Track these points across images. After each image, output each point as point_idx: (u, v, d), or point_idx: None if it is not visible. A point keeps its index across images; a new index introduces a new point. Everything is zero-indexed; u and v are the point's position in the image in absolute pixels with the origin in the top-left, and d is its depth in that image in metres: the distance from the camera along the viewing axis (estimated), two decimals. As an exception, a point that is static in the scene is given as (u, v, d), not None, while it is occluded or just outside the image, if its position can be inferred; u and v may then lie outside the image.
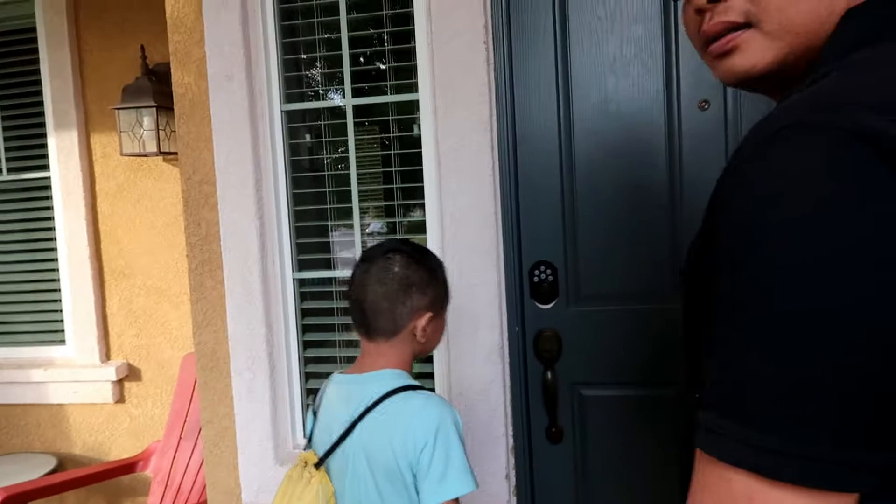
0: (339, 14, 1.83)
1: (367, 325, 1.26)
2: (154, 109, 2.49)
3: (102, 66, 2.72)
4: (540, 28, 1.75)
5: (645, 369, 1.75)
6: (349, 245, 1.90)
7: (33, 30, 2.75)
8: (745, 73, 0.64)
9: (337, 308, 1.92)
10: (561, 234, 1.78)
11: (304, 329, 1.93)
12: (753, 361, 0.46)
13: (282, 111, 1.87)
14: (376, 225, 1.96)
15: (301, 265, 1.92)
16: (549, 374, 1.78)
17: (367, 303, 1.25)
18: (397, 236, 1.91)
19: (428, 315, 1.26)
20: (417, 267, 1.27)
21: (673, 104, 1.71)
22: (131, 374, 2.86)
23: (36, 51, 2.76)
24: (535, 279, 1.80)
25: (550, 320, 1.81)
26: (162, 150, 2.54)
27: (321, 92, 1.92)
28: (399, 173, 1.86)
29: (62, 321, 2.89)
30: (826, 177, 0.45)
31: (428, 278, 1.28)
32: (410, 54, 1.80)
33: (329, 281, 1.92)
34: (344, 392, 1.27)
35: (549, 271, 1.80)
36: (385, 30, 1.83)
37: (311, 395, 1.94)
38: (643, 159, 1.73)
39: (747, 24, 0.62)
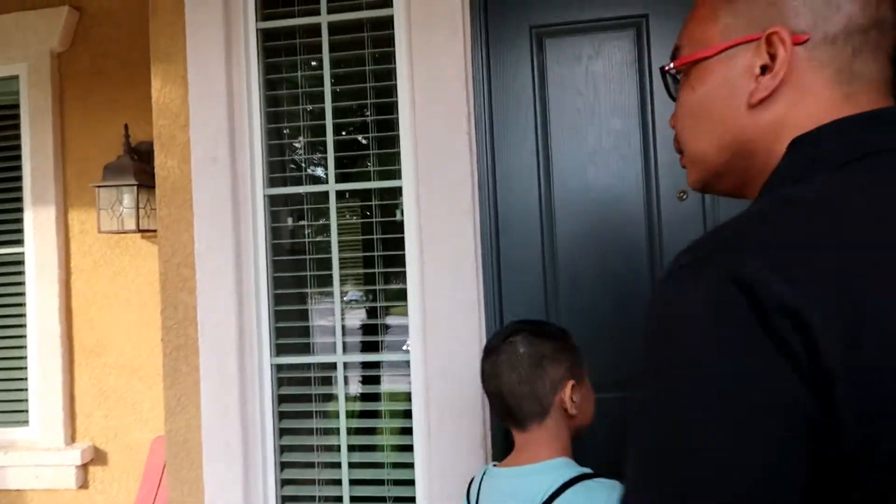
0: (324, 102, 1.86)
1: (513, 415, 1.20)
2: (135, 188, 2.48)
3: (85, 144, 2.72)
4: (521, 118, 1.80)
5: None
6: (329, 330, 1.87)
7: (17, 106, 2.76)
8: (693, 187, 0.74)
9: (315, 394, 1.87)
10: (543, 317, 1.77)
11: (281, 416, 1.87)
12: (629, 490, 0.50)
13: (265, 195, 1.87)
14: (354, 294, 1.94)
15: (279, 350, 1.88)
16: (532, 466, 1.73)
17: (506, 393, 1.20)
18: (379, 320, 1.89)
19: (570, 383, 1.20)
20: (542, 340, 1.23)
21: (652, 193, 1.75)
22: (97, 457, 2.74)
23: (18, 126, 2.76)
24: (518, 366, 1.78)
25: (533, 408, 1.78)
26: (140, 228, 2.51)
27: (304, 176, 1.93)
28: (381, 258, 1.85)
29: (26, 401, 2.78)
30: (698, 325, 0.48)
31: (557, 346, 1.24)
32: (394, 141, 1.83)
33: (308, 367, 1.88)
34: (507, 486, 1.19)
35: (531, 358, 1.78)
36: (369, 117, 1.87)
37: (285, 485, 1.86)
38: (624, 249, 1.75)
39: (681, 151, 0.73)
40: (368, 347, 1.92)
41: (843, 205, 0.50)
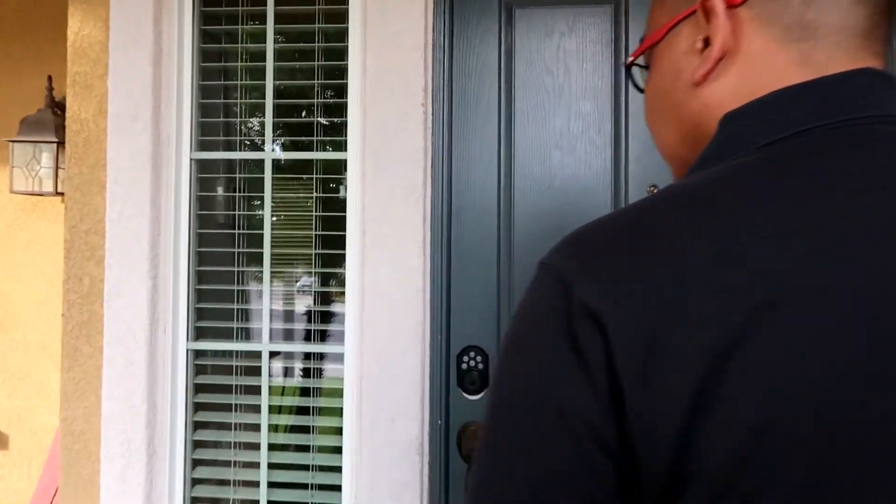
0: (265, 60, 1.66)
1: None
2: (55, 145, 2.23)
3: (4, 96, 2.45)
4: (484, 95, 1.63)
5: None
6: (257, 314, 1.68)
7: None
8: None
9: (237, 385, 1.67)
10: (495, 316, 1.61)
11: (196, 407, 1.67)
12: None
13: (191, 159, 1.66)
14: (307, 280, 1.75)
15: (198, 333, 1.68)
16: (472, 476, 1.57)
17: None
18: (313, 307, 1.70)
19: None
20: None
21: (620, 186, 1.60)
22: (-2, 441, 2.48)
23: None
24: (464, 366, 1.62)
25: (478, 412, 1.62)
26: (59, 191, 2.26)
27: (239, 142, 1.73)
28: (320, 238, 1.67)
29: (-80, 376, 2.49)
30: (525, 327, 0.45)
31: None
32: (342, 110, 1.64)
33: (229, 354, 1.68)
34: None
35: (479, 358, 1.62)
36: (316, 81, 1.67)
37: (196, 485, 1.66)
38: (586, 242, 1.60)
39: None
40: (301, 336, 1.73)
41: (709, 200, 0.43)
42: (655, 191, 1.52)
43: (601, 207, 1.60)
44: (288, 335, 1.73)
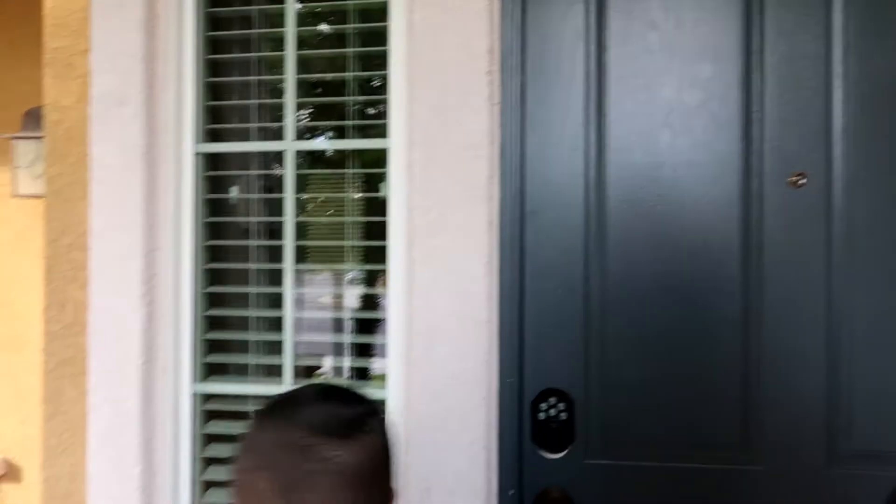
0: (285, 26, 1.31)
1: None
2: (59, 142, 1.95)
3: (5, 90, 2.19)
4: (567, 60, 1.23)
5: (702, 568, 1.18)
6: (279, 347, 1.33)
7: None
8: None
9: (255, 436, 1.33)
10: (582, 352, 1.22)
11: (205, 464, 1.34)
12: None
13: (195, 153, 1.32)
14: (339, 304, 1.40)
15: (207, 372, 1.34)
16: (557, 566, 1.19)
17: None
18: (346, 339, 1.34)
19: None
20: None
21: (753, 176, 1.19)
22: (10, 473, 2.23)
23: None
24: (541, 415, 1.24)
25: (560, 476, 1.23)
26: (67, 194, 1.98)
27: (254, 129, 1.38)
28: (355, 251, 1.31)
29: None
30: None
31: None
32: (382, 86, 1.27)
33: (246, 398, 1.34)
34: None
35: (562, 405, 1.23)
36: (349, 49, 1.31)
37: (209, 559, 1.33)
38: (707, 252, 1.19)
39: None
40: (333, 376, 1.37)
41: None
42: (804, 182, 1.10)
43: (726, 206, 1.19)
44: (306, 373, 1.38)
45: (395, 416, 1.21)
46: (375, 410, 0.73)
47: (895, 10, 1.14)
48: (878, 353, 1.15)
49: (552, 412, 1.24)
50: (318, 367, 1.40)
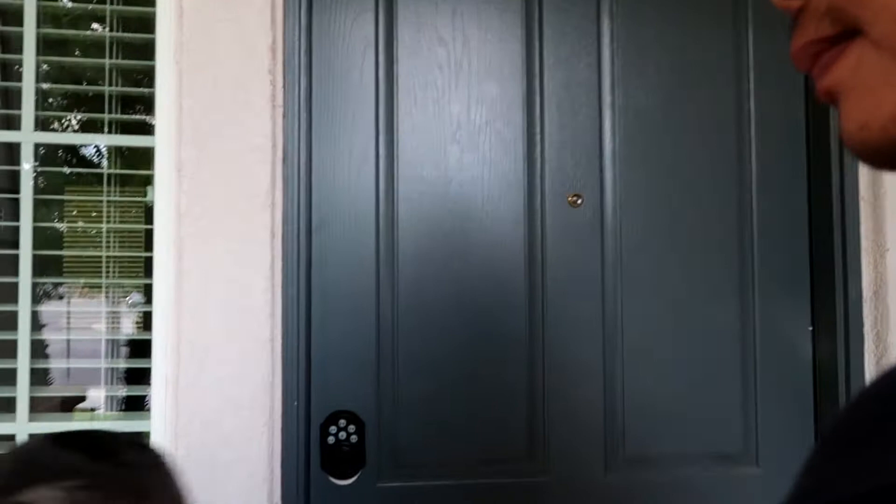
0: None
1: None
2: None
3: None
4: (356, 67, 1.19)
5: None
6: (9, 376, 1.10)
7: None
8: (861, 135, 0.24)
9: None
10: (373, 372, 1.17)
11: None
12: None
13: None
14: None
15: None
16: None
17: None
18: (102, 364, 1.15)
19: None
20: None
21: (536, 192, 1.23)
22: None
23: None
24: (331, 440, 1.16)
25: (352, 503, 1.16)
26: None
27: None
28: (114, 263, 1.13)
29: None
30: None
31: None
32: (149, 75, 1.13)
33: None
34: None
35: (351, 427, 1.17)
36: (108, 33, 1.14)
37: None
38: (494, 268, 1.21)
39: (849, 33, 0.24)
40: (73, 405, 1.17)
41: None
42: (580, 202, 1.16)
43: (513, 221, 1.21)
44: (63, 406, 1.17)
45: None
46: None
47: (653, 47, 1.26)
48: (646, 361, 1.24)
49: (342, 435, 1.17)
50: (72, 398, 1.19)
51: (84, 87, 1.17)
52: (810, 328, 1.29)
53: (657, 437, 1.24)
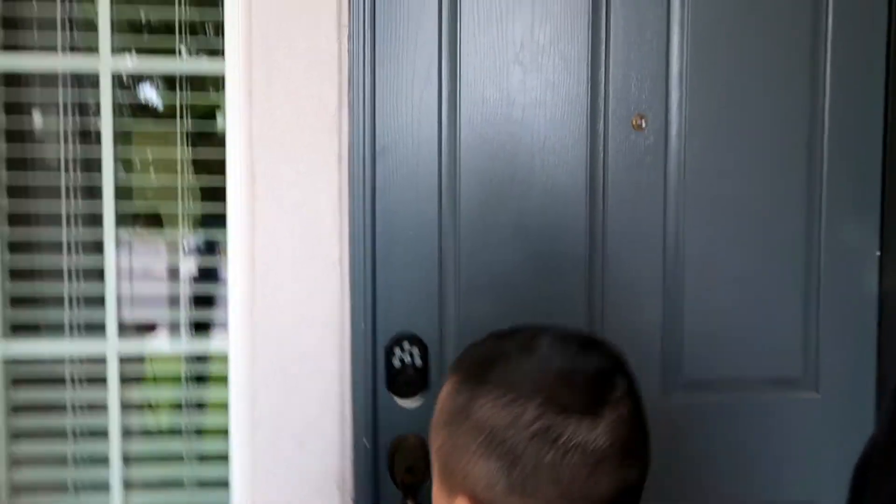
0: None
1: None
2: None
3: None
4: (416, -12, 1.18)
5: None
6: (98, 301, 1.17)
7: None
8: None
9: (72, 402, 1.17)
10: (436, 295, 1.20)
11: (13, 435, 1.16)
12: None
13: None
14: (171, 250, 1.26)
15: (10, 331, 1.15)
16: (412, 511, 1.17)
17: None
18: (181, 289, 1.21)
19: None
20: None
21: (599, 115, 1.21)
22: None
23: None
24: (396, 362, 1.19)
25: (416, 423, 1.20)
26: None
27: (58, 41, 1.18)
28: (191, 190, 1.18)
29: None
30: None
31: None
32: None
33: (60, 359, 1.17)
34: None
35: (415, 350, 1.20)
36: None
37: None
38: (556, 192, 1.21)
39: None
40: (166, 332, 1.24)
41: None
42: (643, 124, 1.14)
43: (574, 145, 1.20)
44: (145, 330, 1.24)
45: (240, 368, 1.11)
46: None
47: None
48: (707, 284, 1.23)
49: (407, 358, 1.20)
50: (148, 324, 1.26)
51: (155, 9, 1.19)
52: (878, 253, 1.25)
53: (716, 360, 1.24)
